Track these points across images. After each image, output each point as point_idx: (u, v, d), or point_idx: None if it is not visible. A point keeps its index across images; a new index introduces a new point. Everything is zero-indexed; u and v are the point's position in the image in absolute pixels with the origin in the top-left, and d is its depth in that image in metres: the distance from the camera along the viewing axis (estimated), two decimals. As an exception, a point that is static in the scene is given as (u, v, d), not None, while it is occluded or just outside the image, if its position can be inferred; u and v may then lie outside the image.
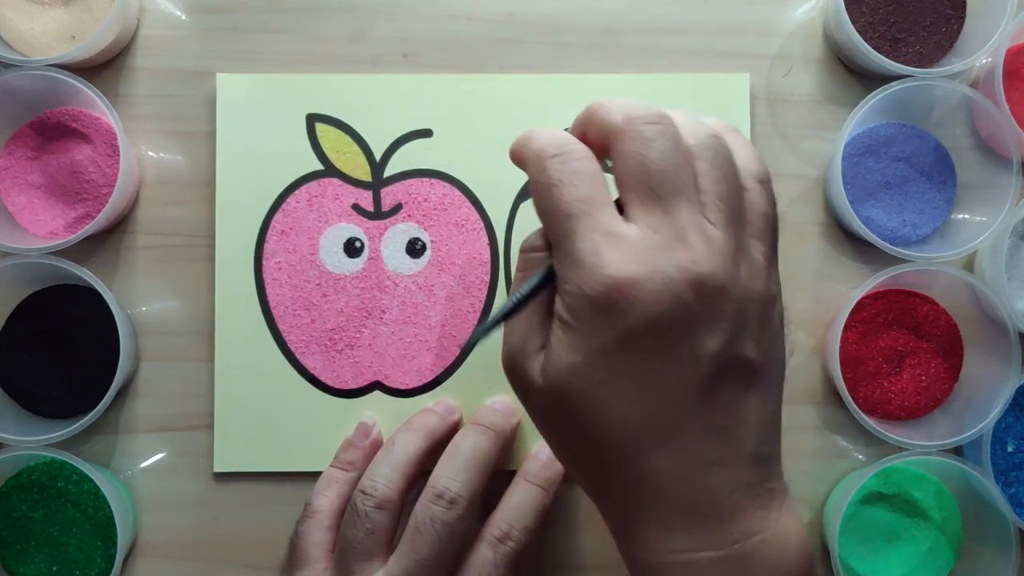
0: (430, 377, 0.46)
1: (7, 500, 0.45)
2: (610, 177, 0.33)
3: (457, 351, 0.46)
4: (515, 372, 0.34)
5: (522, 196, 0.46)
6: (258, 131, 0.46)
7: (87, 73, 0.46)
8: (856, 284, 0.45)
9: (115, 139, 0.45)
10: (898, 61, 0.44)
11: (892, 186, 0.47)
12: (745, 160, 0.34)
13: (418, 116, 0.47)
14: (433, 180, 0.46)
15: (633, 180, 0.32)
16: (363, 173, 0.46)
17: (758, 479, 0.32)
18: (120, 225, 0.47)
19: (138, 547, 0.46)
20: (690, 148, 0.33)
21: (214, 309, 0.46)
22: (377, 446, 0.44)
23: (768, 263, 0.33)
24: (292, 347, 0.46)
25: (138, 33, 0.47)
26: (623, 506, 0.33)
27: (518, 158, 0.35)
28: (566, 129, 0.35)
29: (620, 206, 0.33)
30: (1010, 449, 0.46)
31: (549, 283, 0.34)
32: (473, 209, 0.46)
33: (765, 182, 0.34)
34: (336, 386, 0.46)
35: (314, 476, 0.44)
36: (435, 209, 0.46)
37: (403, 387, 0.46)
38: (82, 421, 0.43)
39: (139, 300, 0.47)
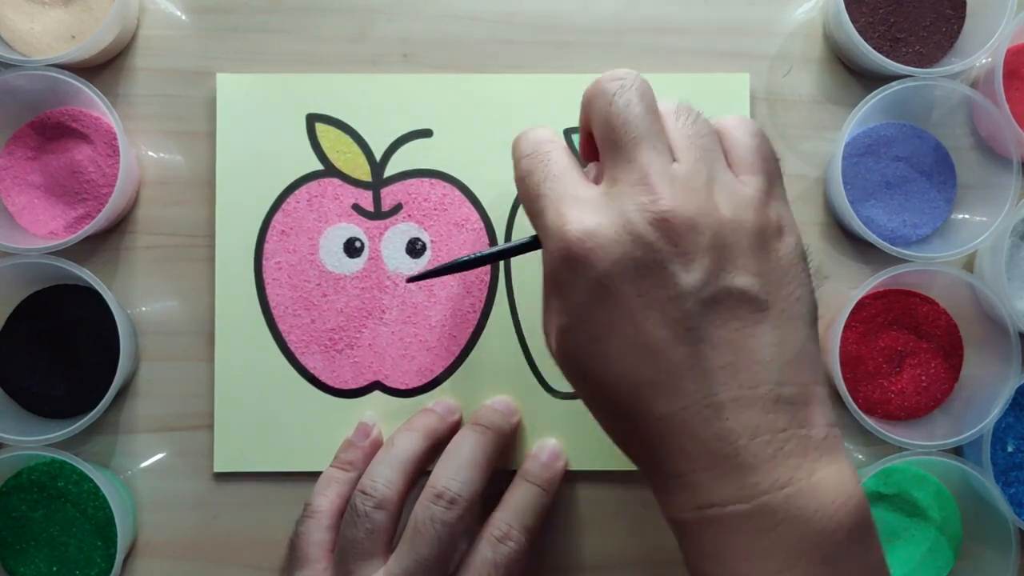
0: (430, 377, 0.46)
1: (7, 500, 0.45)
2: None
3: (457, 351, 0.46)
4: (548, 350, 0.35)
5: (522, 196, 0.46)
6: (258, 131, 0.46)
7: (87, 73, 0.46)
8: (856, 284, 0.45)
9: (115, 139, 0.45)
10: (898, 61, 0.44)
11: (892, 186, 0.47)
12: (732, 117, 0.35)
13: (418, 116, 0.47)
14: (433, 180, 0.46)
15: (600, 136, 0.34)
16: (363, 173, 0.46)
17: (784, 424, 0.30)
18: (120, 225, 0.47)
19: (138, 547, 0.46)
20: (660, 109, 0.34)
21: (214, 309, 0.46)
22: (377, 446, 0.44)
23: (765, 195, 0.33)
24: (292, 347, 0.46)
25: (138, 33, 0.47)
26: (649, 463, 0.33)
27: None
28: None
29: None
30: (1010, 449, 0.46)
31: (529, 248, 0.38)
32: (473, 209, 0.46)
33: (757, 132, 0.35)
34: (336, 386, 0.46)
35: (314, 476, 0.44)
36: (435, 209, 0.46)
37: (403, 387, 0.46)
38: (82, 421, 0.43)
39: (139, 300, 0.47)
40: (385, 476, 0.41)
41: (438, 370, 0.46)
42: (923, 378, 0.46)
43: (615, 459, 0.46)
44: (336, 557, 0.40)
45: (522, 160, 0.35)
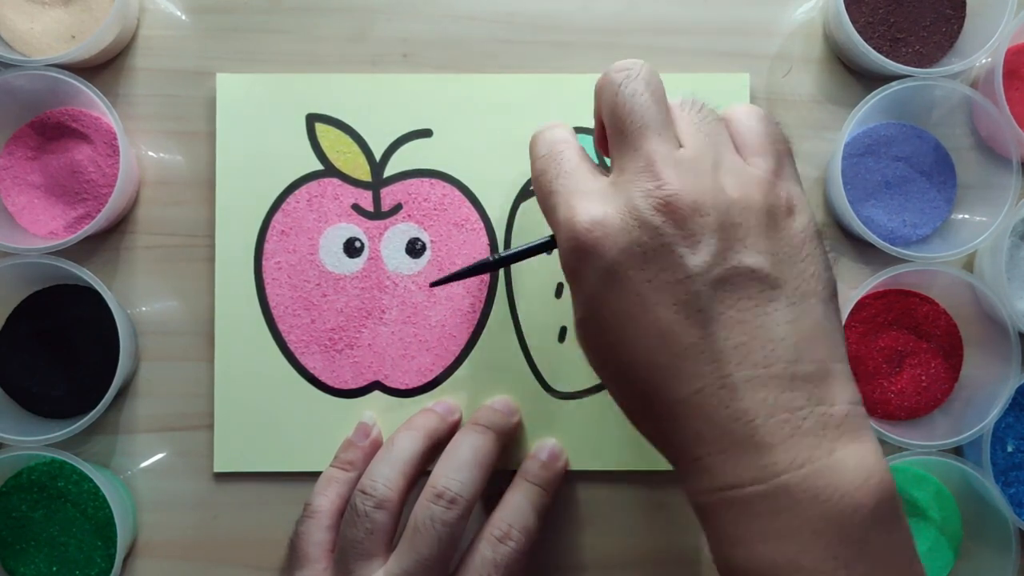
0: (430, 377, 0.46)
1: (7, 500, 0.45)
2: None
3: (457, 351, 0.46)
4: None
5: (522, 196, 0.46)
6: (258, 131, 0.46)
7: (87, 73, 0.46)
8: (856, 284, 0.45)
9: (115, 139, 0.45)
10: (898, 61, 0.44)
11: (892, 186, 0.47)
12: (740, 104, 0.36)
13: (418, 116, 0.47)
14: (433, 180, 0.46)
15: (609, 127, 0.35)
16: (363, 173, 0.46)
17: (802, 402, 0.30)
18: (120, 225, 0.47)
19: (138, 547, 0.46)
20: (669, 102, 0.35)
21: (214, 309, 0.46)
22: (377, 446, 0.44)
23: (774, 175, 0.33)
24: (292, 347, 0.46)
25: (138, 33, 0.47)
26: (669, 448, 0.33)
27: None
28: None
29: None
30: (1010, 449, 0.46)
31: (546, 248, 0.39)
32: (473, 209, 0.46)
33: (763, 116, 0.35)
34: (336, 386, 0.46)
35: (314, 476, 0.44)
36: (435, 209, 0.46)
37: (403, 387, 0.46)
38: (82, 421, 0.43)
39: (139, 300, 0.47)
40: (385, 476, 0.41)
41: (438, 370, 0.46)
42: (923, 378, 0.46)
43: (615, 459, 0.46)
44: (336, 557, 0.40)
45: (537, 160, 0.36)
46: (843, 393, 0.31)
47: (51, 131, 0.46)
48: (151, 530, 0.46)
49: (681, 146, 0.33)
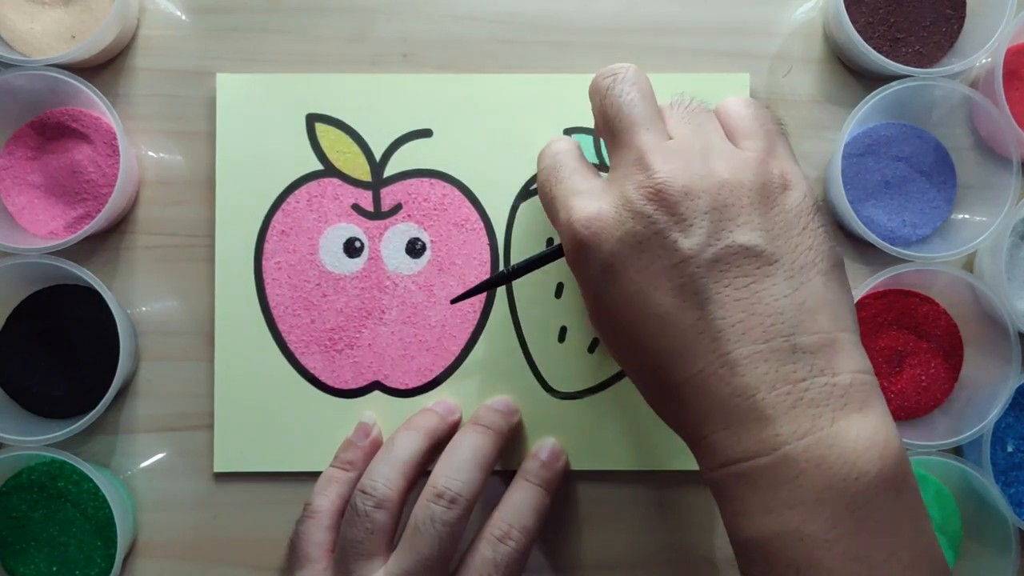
0: (430, 377, 0.46)
1: (7, 500, 0.45)
2: None
3: (457, 351, 0.46)
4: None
5: (522, 196, 0.46)
6: (258, 131, 0.46)
7: (87, 73, 0.46)
8: (856, 284, 0.45)
9: (115, 139, 0.45)
10: (898, 61, 0.44)
11: (892, 186, 0.47)
12: (728, 97, 0.37)
13: (418, 116, 0.47)
14: (433, 180, 0.46)
15: (601, 129, 0.36)
16: (363, 173, 0.46)
17: (804, 374, 0.31)
18: (120, 225, 0.47)
19: (138, 547, 0.46)
20: (660, 104, 0.36)
21: (214, 309, 0.46)
22: (377, 446, 0.44)
23: (765, 155, 0.34)
24: (292, 347, 0.46)
25: (138, 33, 0.47)
26: (680, 427, 0.34)
27: None
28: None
29: None
30: (1010, 449, 0.46)
31: (558, 254, 0.40)
32: (473, 209, 0.46)
33: (751, 102, 0.36)
34: (336, 386, 0.46)
35: (314, 476, 0.44)
36: (435, 209, 0.46)
37: (403, 387, 0.46)
38: (82, 421, 0.43)
39: (139, 300, 0.47)
40: (385, 476, 0.41)
41: (438, 370, 0.46)
42: (923, 378, 0.46)
43: (615, 459, 0.46)
44: (336, 557, 0.40)
45: (540, 172, 0.38)
46: (848, 363, 0.31)
47: (51, 131, 0.46)
48: (151, 530, 0.46)
49: (671, 139, 0.34)
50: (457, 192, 0.46)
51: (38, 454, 0.44)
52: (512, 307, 0.46)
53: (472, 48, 0.47)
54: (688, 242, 0.32)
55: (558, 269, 0.45)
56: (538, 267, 0.41)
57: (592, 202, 0.34)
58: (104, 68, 0.47)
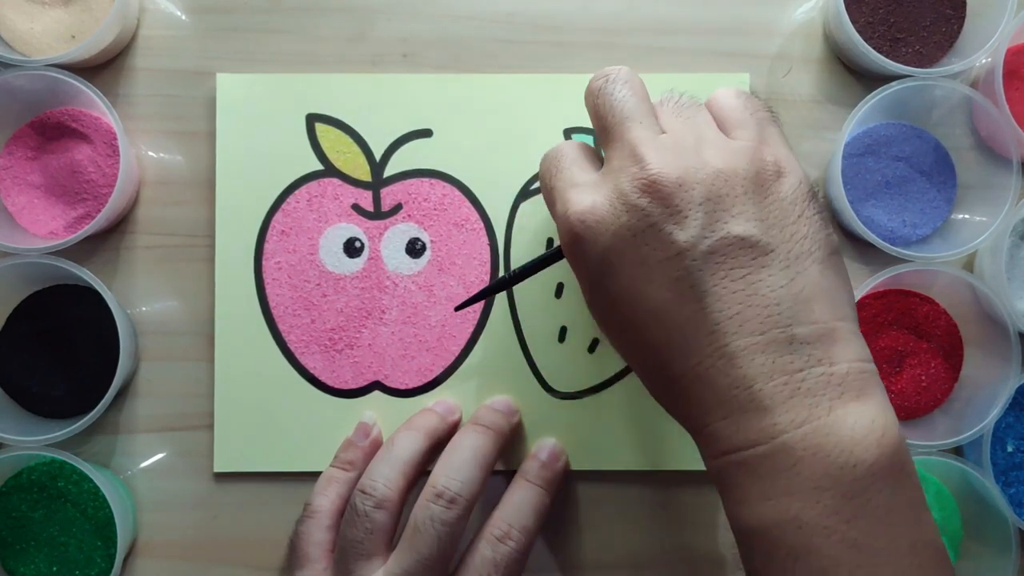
0: (430, 377, 0.46)
1: (7, 500, 0.45)
2: None
3: (457, 351, 0.46)
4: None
5: (522, 196, 0.46)
6: (258, 131, 0.46)
7: (87, 73, 0.46)
8: (856, 284, 0.45)
9: (115, 139, 0.45)
10: (898, 61, 0.44)
11: (892, 186, 0.47)
12: (718, 89, 0.37)
13: (418, 116, 0.47)
14: (433, 180, 0.46)
15: (596, 129, 0.37)
16: (363, 173, 0.46)
17: (801, 364, 0.31)
18: (120, 225, 0.47)
19: (138, 547, 0.46)
20: (652, 101, 0.36)
21: (214, 309, 0.46)
22: (377, 446, 0.44)
23: (758, 143, 0.34)
24: (292, 347, 0.46)
25: (138, 33, 0.47)
26: (681, 418, 0.34)
27: None
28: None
29: None
30: (1010, 449, 0.46)
31: (556, 259, 0.40)
32: (473, 209, 0.46)
33: (741, 92, 0.37)
34: (336, 386, 0.46)
35: (314, 476, 0.44)
36: (435, 209, 0.46)
37: (403, 387, 0.46)
38: (82, 421, 0.43)
39: (139, 300, 0.47)
40: (385, 476, 0.41)
41: (438, 370, 0.46)
42: (923, 378, 0.46)
43: (615, 459, 0.46)
44: (336, 557, 0.40)
45: (543, 164, 0.38)
46: (845, 352, 0.31)
47: (51, 131, 0.46)
48: (151, 530, 0.46)
49: (663, 133, 0.34)
50: (457, 192, 0.46)
51: (38, 454, 0.44)
52: (512, 307, 0.46)
53: (472, 48, 0.47)
54: (683, 234, 0.32)
55: (558, 269, 0.45)
56: (540, 270, 0.41)
57: (587, 196, 0.34)
58: (104, 68, 0.47)
